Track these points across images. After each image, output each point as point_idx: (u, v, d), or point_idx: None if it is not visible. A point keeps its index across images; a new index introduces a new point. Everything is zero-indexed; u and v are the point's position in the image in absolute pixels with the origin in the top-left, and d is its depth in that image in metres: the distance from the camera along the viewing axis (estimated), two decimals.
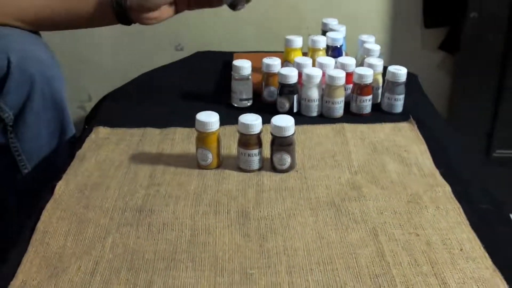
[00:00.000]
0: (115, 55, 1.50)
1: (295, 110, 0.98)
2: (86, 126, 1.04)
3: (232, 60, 1.01)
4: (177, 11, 0.96)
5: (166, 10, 0.94)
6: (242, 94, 1.01)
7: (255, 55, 1.11)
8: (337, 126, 0.95)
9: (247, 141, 0.81)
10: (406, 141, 0.90)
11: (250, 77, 1.00)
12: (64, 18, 0.93)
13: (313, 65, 1.01)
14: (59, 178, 0.80)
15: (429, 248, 0.67)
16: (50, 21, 0.93)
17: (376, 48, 1.04)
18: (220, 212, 0.74)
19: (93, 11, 0.92)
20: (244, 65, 0.98)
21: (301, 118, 0.96)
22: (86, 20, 0.93)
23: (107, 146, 0.89)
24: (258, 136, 0.81)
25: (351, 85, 0.99)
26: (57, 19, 0.93)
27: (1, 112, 0.88)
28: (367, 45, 1.05)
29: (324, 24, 1.16)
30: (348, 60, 1.00)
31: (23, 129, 0.91)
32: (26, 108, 0.89)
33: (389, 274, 0.63)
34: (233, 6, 0.94)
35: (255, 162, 0.82)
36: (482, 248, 0.67)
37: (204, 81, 1.14)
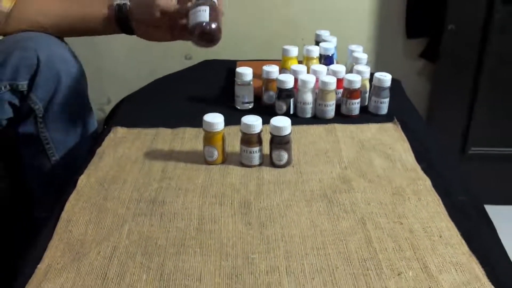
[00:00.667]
0: (132, 63, 1.50)
1: (291, 112, 0.98)
2: (105, 126, 1.04)
3: (235, 68, 1.01)
4: (174, 38, 0.94)
5: (163, 33, 0.93)
6: (244, 98, 1.00)
7: (256, 63, 1.10)
8: (329, 126, 0.94)
9: (249, 139, 0.81)
10: (391, 140, 0.90)
11: (251, 82, 1.00)
12: (80, 25, 0.93)
13: (308, 72, 1.01)
14: (81, 172, 0.80)
15: (411, 235, 0.66)
16: (68, 28, 0.92)
17: (363, 56, 1.04)
18: (225, 203, 0.73)
19: (105, 20, 0.91)
20: (246, 72, 0.98)
21: (297, 119, 0.96)
22: (99, 29, 0.93)
23: (124, 144, 0.89)
24: (259, 135, 0.81)
25: (341, 90, 0.98)
26: (74, 26, 0.93)
27: (33, 104, 0.89)
28: (355, 54, 1.05)
29: (318, 35, 1.16)
30: (339, 68, 0.99)
31: (51, 120, 0.92)
32: (54, 101, 0.91)
33: (376, 258, 0.63)
34: (190, 33, 0.87)
35: (256, 158, 0.81)
36: (459, 235, 0.66)
37: (210, 86, 1.14)
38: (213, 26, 0.84)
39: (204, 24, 0.83)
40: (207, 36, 0.85)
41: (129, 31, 0.92)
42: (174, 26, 0.92)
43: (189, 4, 0.87)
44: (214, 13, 0.85)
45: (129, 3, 0.89)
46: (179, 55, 1.48)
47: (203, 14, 0.84)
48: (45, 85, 0.89)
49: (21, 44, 0.87)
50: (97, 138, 0.94)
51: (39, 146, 0.94)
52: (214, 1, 0.86)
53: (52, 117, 0.92)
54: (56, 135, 0.94)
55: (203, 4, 0.85)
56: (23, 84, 0.88)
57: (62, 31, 0.93)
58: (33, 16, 0.89)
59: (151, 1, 0.87)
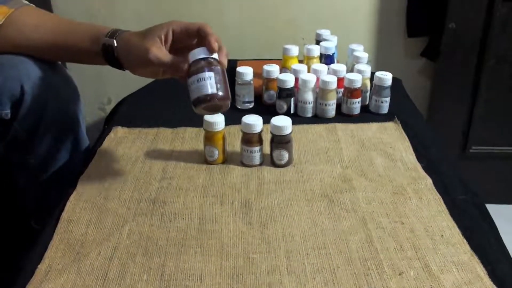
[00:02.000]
0: None
1: (292, 111, 0.98)
2: (106, 126, 1.03)
3: (236, 67, 1.00)
4: (165, 75, 0.78)
5: (154, 72, 0.79)
6: (245, 97, 1.00)
7: (257, 62, 1.10)
8: (330, 125, 0.94)
9: (249, 139, 0.80)
10: (391, 139, 0.90)
11: (252, 82, 0.99)
12: (67, 55, 0.86)
13: (308, 71, 1.01)
14: (81, 172, 0.80)
15: (413, 235, 0.66)
16: (54, 56, 0.85)
17: (364, 55, 1.04)
18: (226, 202, 0.73)
19: (93, 54, 0.80)
20: (246, 71, 0.98)
21: (297, 118, 0.96)
22: (87, 61, 0.84)
23: (124, 143, 0.89)
24: (259, 134, 0.81)
25: (342, 89, 0.98)
26: (61, 56, 0.86)
27: (16, 132, 0.84)
28: (356, 53, 1.04)
29: (318, 35, 1.16)
30: (340, 67, 0.99)
31: (38, 148, 0.87)
32: (39, 129, 0.85)
33: (377, 258, 0.62)
34: (194, 107, 0.70)
35: (256, 158, 0.81)
36: (460, 234, 0.66)
37: None
38: (220, 94, 0.68)
39: (209, 98, 0.67)
40: (214, 107, 0.70)
41: (118, 66, 0.80)
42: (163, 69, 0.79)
43: (187, 65, 0.70)
44: (219, 77, 0.69)
45: (115, 45, 0.76)
46: None
47: (207, 83, 0.68)
48: (30, 115, 0.83)
49: (5, 73, 0.80)
50: (98, 139, 0.94)
51: (26, 171, 0.90)
52: (215, 60, 0.70)
53: (38, 145, 0.87)
54: (43, 159, 0.89)
55: (207, 68, 0.68)
56: (6, 113, 0.82)
57: (50, 56, 0.85)
58: (20, 39, 0.82)
59: (143, 56, 0.72)
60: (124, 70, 0.79)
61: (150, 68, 0.75)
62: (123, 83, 1.47)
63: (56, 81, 0.85)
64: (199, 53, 0.69)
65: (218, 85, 0.68)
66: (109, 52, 0.77)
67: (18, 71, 0.81)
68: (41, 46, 0.82)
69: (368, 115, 0.98)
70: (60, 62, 0.90)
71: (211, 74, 0.68)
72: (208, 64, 0.69)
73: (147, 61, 0.72)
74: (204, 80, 0.68)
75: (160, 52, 0.71)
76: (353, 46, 1.09)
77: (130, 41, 0.75)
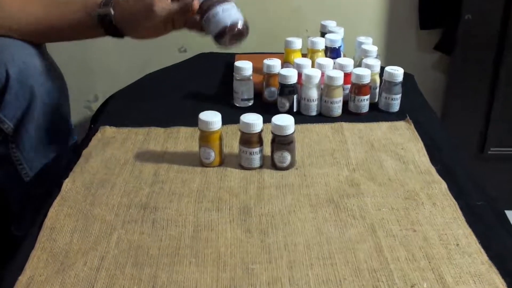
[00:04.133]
0: (120, 56, 1.50)
1: (295, 109, 0.98)
2: (92, 125, 1.04)
3: (234, 61, 1.00)
4: (174, 28, 0.90)
5: (157, 29, 0.88)
6: (244, 94, 1.00)
7: (256, 56, 1.10)
8: (336, 125, 0.94)
9: (249, 139, 0.80)
10: (402, 139, 0.90)
11: (251, 77, 1.00)
12: (59, 31, 0.89)
13: (312, 66, 1.01)
14: (66, 176, 0.80)
15: (426, 244, 0.66)
16: (48, 33, 0.88)
17: (373, 49, 1.04)
18: (223, 208, 0.73)
19: (87, 26, 0.86)
20: (245, 66, 0.98)
21: (300, 117, 0.96)
22: (81, 35, 0.89)
23: (112, 144, 0.89)
24: (259, 134, 0.81)
25: (349, 85, 0.98)
26: (54, 32, 0.89)
27: (1, 123, 0.86)
28: (364, 46, 1.04)
29: (323, 26, 1.16)
30: (346, 61, 0.99)
31: (24, 139, 0.89)
32: (27, 119, 0.87)
33: (387, 269, 0.62)
34: (217, 40, 0.83)
35: (256, 160, 0.81)
36: (477, 243, 0.66)
37: (206, 82, 1.14)
38: (246, 24, 0.82)
39: (240, 24, 0.81)
40: (239, 36, 0.82)
41: (116, 35, 0.87)
42: (167, 20, 0.88)
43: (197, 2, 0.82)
44: (236, 6, 0.83)
45: (112, 13, 0.83)
46: (172, 47, 1.48)
47: (232, 12, 0.80)
48: (15, 103, 0.85)
49: None
50: (83, 140, 0.94)
51: (11, 166, 0.91)
52: None
53: (24, 136, 0.89)
54: (29, 155, 0.91)
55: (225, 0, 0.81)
56: None
57: (40, 36, 0.89)
58: (10, 18, 0.85)
59: (147, 12, 0.82)
60: (123, 38, 0.85)
61: (155, 24, 0.83)
62: (111, 79, 1.47)
63: (42, 66, 0.87)
64: None
65: (239, 13, 0.81)
66: (106, 21, 0.83)
67: (3, 54, 0.83)
68: (30, 24, 0.84)
69: (377, 113, 0.99)
70: (46, 49, 0.91)
71: (232, 4, 0.81)
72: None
73: (152, 16, 0.81)
74: (228, 10, 0.79)
75: (163, 1, 0.80)
76: (361, 38, 1.09)
77: (128, 3, 0.82)
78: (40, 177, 0.92)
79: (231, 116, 0.88)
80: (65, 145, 0.94)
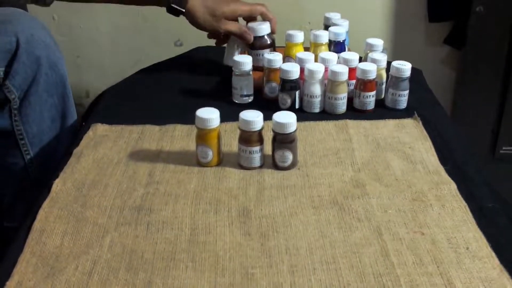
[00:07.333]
0: (114, 50, 1.50)
1: (297, 106, 0.98)
2: (84, 123, 1.04)
3: None
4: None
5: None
6: (243, 90, 1.01)
7: None
8: (340, 122, 0.95)
9: (248, 138, 0.81)
10: (410, 138, 0.90)
11: (250, 72, 1.00)
12: None
13: (315, 60, 1.01)
14: (56, 176, 0.80)
15: (434, 247, 0.66)
16: None
17: (379, 43, 1.04)
18: (221, 210, 0.73)
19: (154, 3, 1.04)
20: (244, 61, 0.98)
21: (303, 114, 0.96)
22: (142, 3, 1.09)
23: (105, 143, 0.89)
24: (259, 133, 0.81)
25: (354, 81, 0.98)
26: None
27: (9, 93, 0.92)
28: (370, 40, 1.04)
29: (327, 19, 1.16)
30: (351, 55, 0.99)
31: (27, 112, 0.95)
32: (31, 91, 0.93)
33: (394, 273, 0.63)
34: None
35: (256, 159, 0.82)
36: (488, 247, 0.66)
37: (204, 77, 1.14)
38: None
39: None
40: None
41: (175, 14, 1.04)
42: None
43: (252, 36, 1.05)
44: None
45: (183, 11, 1.02)
46: (168, 40, 1.48)
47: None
48: (23, 72, 0.91)
49: (0, 28, 0.90)
50: (75, 137, 0.94)
51: (12, 141, 0.96)
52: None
53: (28, 108, 0.94)
54: (31, 129, 0.96)
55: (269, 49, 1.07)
56: (0, 71, 0.90)
57: None
58: None
59: (214, 26, 1.03)
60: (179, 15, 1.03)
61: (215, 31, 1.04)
62: (103, 74, 1.48)
63: (48, 39, 0.95)
64: (261, 30, 1.07)
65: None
66: (175, 13, 1.03)
67: (14, 25, 0.91)
68: None
69: (383, 110, 0.99)
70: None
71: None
72: (270, 46, 1.08)
73: (216, 29, 1.03)
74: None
75: (230, 24, 1.03)
76: (370, 40, 1.08)
77: (199, 12, 1.02)
78: (39, 159, 0.97)
79: (229, 113, 0.88)
80: (66, 123, 1.01)
